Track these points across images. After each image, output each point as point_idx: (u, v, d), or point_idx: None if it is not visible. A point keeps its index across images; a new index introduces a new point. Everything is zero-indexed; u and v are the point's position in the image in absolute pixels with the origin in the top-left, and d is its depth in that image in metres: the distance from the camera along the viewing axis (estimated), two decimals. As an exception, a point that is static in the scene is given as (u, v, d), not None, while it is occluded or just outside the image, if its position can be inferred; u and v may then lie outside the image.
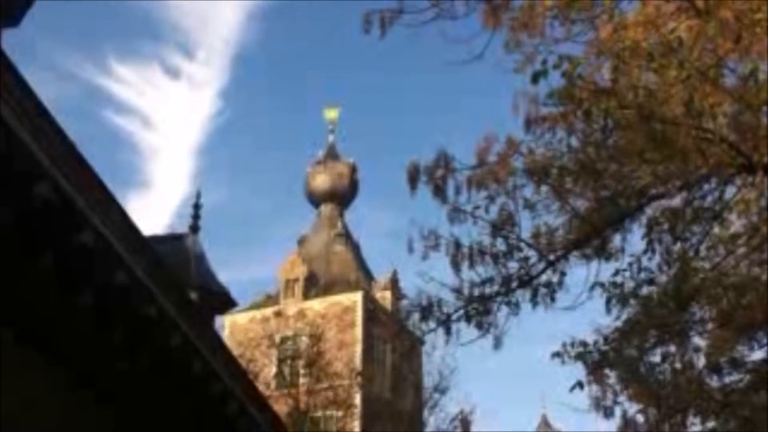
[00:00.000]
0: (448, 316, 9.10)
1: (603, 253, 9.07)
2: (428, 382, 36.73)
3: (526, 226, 8.92)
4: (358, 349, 42.20)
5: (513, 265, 8.98)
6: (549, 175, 8.63)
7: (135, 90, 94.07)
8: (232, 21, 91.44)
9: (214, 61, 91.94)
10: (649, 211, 8.93)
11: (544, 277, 9.00)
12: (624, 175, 8.57)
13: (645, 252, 9.18)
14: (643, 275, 9.39)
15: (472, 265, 8.92)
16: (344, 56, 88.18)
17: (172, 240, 11.42)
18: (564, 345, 9.84)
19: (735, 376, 11.26)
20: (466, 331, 9.16)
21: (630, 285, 9.46)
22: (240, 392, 7.27)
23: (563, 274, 9.03)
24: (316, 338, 36.42)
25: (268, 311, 43.18)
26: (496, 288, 9.04)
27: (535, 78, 8.04)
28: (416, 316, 9.23)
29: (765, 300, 9.34)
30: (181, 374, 6.54)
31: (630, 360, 10.26)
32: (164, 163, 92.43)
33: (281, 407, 29.15)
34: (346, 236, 50.11)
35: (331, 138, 53.35)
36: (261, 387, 18.88)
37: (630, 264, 9.32)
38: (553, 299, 9.03)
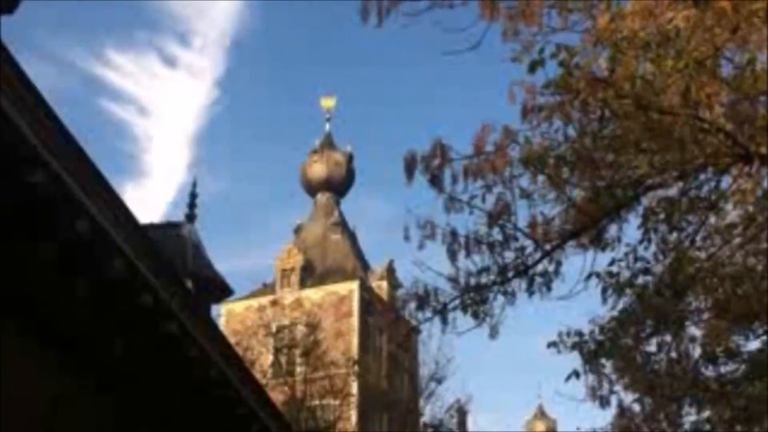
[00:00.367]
0: (444, 305, 9.10)
1: (599, 242, 9.08)
2: (424, 371, 36.86)
3: (522, 215, 8.92)
4: (355, 338, 42.29)
5: (509, 255, 8.98)
6: (545, 164, 8.61)
7: (132, 79, 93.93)
8: (229, 10, 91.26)
9: (211, 50, 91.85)
10: (645, 200, 8.94)
11: (540, 267, 9.00)
12: (620, 165, 8.56)
13: (641, 242, 9.19)
14: (639, 265, 9.41)
15: (468, 255, 8.92)
16: (341, 46, 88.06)
17: (169, 228, 11.42)
18: (560, 335, 9.88)
19: (731, 366, 11.29)
20: (462, 320, 9.18)
21: (626, 275, 9.48)
22: (236, 379, 7.29)
23: (559, 263, 9.04)
24: (313, 327, 36.46)
25: (265, 300, 43.19)
26: (492, 277, 9.03)
27: (532, 67, 8.03)
28: (412, 305, 9.23)
29: (761, 290, 9.36)
30: (178, 362, 6.55)
31: (626, 349, 10.28)
32: (161, 152, 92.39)
33: (278, 396, 29.18)
34: (343, 225, 50.12)
35: (327, 127, 53.33)
36: (257, 376, 18.90)
37: (626, 254, 9.34)
38: (549, 289, 9.04)
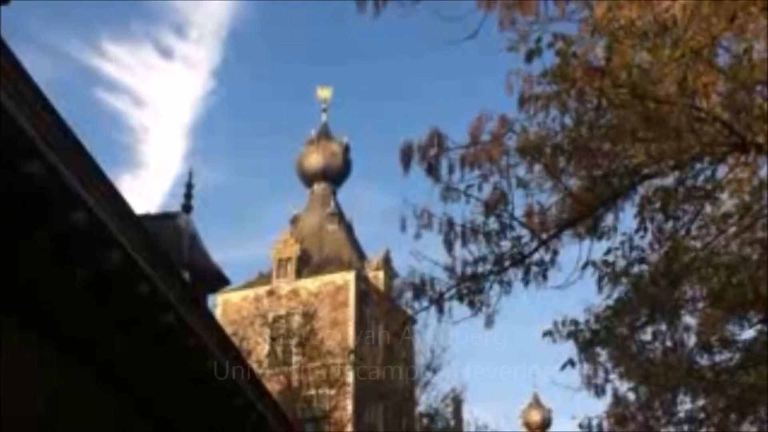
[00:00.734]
0: (441, 294, 9.11)
1: (595, 232, 9.09)
2: (420, 360, 36.92)
3: (518, 204, 8.93)
4: (351, 328, 42.32)
5: (505, 244, 9.00)
6: (542, 154, 8.62)
7: (128, 70, 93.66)
8: (225, 1, 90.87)
9: (207, 41, 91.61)
10: (641, 190, 8.95)
11: (536, 256, 9.02)
12: (617, 154, 8.57)
13: (637, 231, 9.21)
14: (634, 254, 9.43)
15: (464, 244, 8.93)
16: (338, 37, 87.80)
17: (165, 219, 11.40)
18: (555, 324, 9.90)
19: (725, 355, 11.33)
20: (459, 309, 9.19)
21: (621, 264, 9.50)
22: (233, 369, 7.29)
23: (555, 252, 9.05)
24: (309, 317, 36.48)
25: (261, 290, 43.21)
26: (488, 267, 9.05)
27: (529, 56, 8.02)
28: (409, 294, 9.25)
29: (756, 279, 9.38)
30: (175, 352, 6.55)
31: (621, 338, 10.32)
32: (157, 143, 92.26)
33: (274, 386, 29.23)
34: (339, 216, 50.11)
35: (324, 117, 53.23)
36: (254, 365, 18.92)
37: (622, 243, 9.36)
38: (545, 278, 9.05)
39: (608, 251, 9.39)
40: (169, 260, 6.99)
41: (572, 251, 9.16)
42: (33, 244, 5.00)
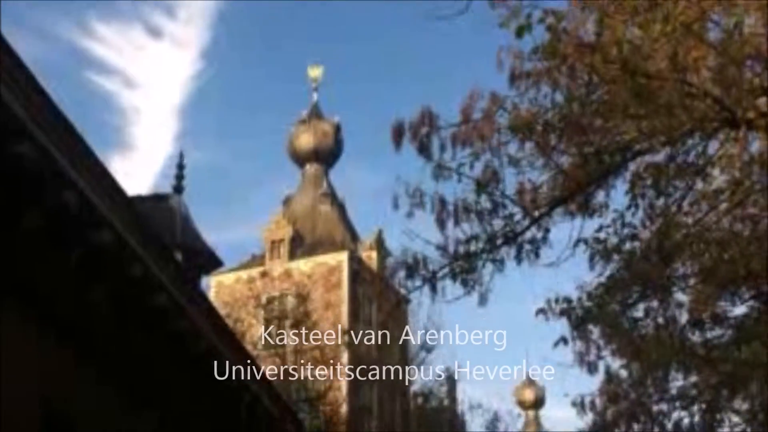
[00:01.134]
0: (434, 273, 9.12)
1: (587, 209, 9.10)
2: (414, 340, 37.05)
3: (510, 182, 8.92)
4: (345, 308, 42.37)
5: (498, 222, 8.99)
6: (533, 131, 8.60)
7: (117, 51, 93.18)
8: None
9: (196, 20, 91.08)
10: (632, 166, 8.95)
11: (528, 234, 9.02)
12: (608, 131, 8.56)
13: (628, 208, 9.22)
14: (626, 231, 9.45)
15: (457, 223, 8.92)
16: (329, 15, 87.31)
17: (157, 200, 11.37)
18: (548, 302, 9.91)
19: (717, 332, 11.36)
20: (452, 288, 9.20)
21: (613, 241, 9.52)
22: (226, 350, 7.30)
23: (547, 230, 9.06)
24: (303, 298, 36.54)
25: (254, 272, 43.20)
26: (481, 245, 9.05)
27: (520, 32, 7.98)
28: (402, 274, 9.24)
29: (747, 255, 9.41)
30: (168, 333, 6.56)
31: (613, 315, 10.33)
32: (147, 123, 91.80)
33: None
34: (332, 196, 50.02)
35: (315, 96, 53.01)
36: (248, 347, 18.95)
37: (613, 220, 9.37)
38: (537, 256, 9.06)
39: (600, 228, 9.41)
40: (161, 241, 6.98)
41: (564, 229, 9.18)
42: (23, 224, 4.98)
